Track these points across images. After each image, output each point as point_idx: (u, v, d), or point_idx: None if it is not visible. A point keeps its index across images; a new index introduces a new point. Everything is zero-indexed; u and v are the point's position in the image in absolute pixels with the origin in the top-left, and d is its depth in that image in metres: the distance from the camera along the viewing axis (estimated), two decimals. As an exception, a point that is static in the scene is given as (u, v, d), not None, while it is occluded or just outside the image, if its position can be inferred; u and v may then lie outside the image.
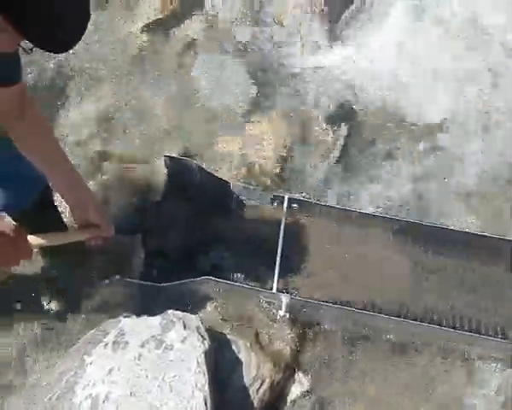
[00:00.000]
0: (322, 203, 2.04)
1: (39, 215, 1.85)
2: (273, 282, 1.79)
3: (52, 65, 2.51)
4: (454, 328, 1.79)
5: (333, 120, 2.43)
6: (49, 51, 1.11)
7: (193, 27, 2.71)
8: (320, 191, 2.20)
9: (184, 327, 1.55)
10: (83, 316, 1.83)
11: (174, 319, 1.58)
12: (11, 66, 1.34)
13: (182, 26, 2.70)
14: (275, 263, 1.83)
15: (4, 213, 1.85)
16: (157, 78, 2.55)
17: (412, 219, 2.02)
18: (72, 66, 2.53)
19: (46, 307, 1.85)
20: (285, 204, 2.01)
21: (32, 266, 1.87)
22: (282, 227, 1.94)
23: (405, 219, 2.00)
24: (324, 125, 2.43)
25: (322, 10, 2.64)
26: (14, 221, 1.82)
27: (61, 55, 2.51)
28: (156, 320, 1.59)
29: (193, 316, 1.62)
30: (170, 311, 1.61)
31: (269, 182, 2.21)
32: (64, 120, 2.37)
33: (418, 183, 2.21)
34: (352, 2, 2.73)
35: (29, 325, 1.79)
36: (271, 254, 1.87)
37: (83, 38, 1.15)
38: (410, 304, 1.83)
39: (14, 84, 1.35)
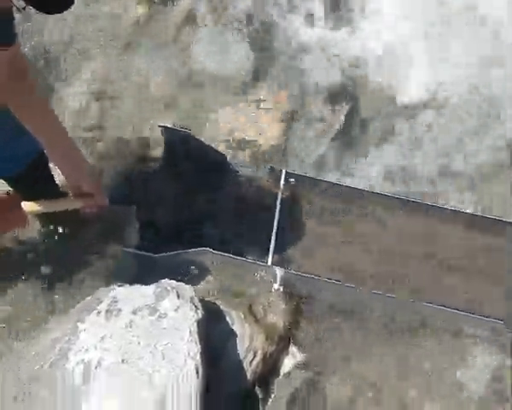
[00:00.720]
0: (320, 179, 2.02)
1: (34, 182, 1.84)
2: (268, 255, 1.78)
3: (46, 36, 2.46)
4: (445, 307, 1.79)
5: (333, 96, 2.39)
6: (42, 11, 1.09)
7: (193, -3, 2.65)
8: (318, 167, 2.18)
9: (178, 296, 1.54)
10: (77, 284, 1.81)
11: (168, 288, 1.57)
12: (3, 27, 1.30)
13: None
14: (271, 236, 1.82)
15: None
16: (154, 49, 2.50)
17: (410, 197, 2.00)
18: (68, 35, 2.48)
19: (40, 274, 1.83)
20: (282, 178, 2.00)
21: (27, 233, 1.85)
22: (279, 201, 1.93)
23: (404, 197, 1.99)
24: (324, 102, 2.39)
25: None
26: (10, 187, 1.80)
27: (56, 25, 2.47)
28: (150, 289, 1.58)
29: (187, 286, 1.61)
30: (164, 280, 1.61)
31: (266, 156, 2.19)
32: (59, 90, 2.32)
33: (416, 162, 2.18)
34: None
35: (22, 293, 1.78)
36: (267, 227, 1.86)
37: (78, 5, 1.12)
38: (407, 283, 1.82)
39: (6, 46, 1.32)
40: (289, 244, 1.84)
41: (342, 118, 2.35)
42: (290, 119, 2.32)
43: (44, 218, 1.88)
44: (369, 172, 2.14)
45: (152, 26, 2.58)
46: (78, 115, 2.30)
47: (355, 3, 2.64)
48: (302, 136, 2.28)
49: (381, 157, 2.19)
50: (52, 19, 2.46)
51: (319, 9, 2.62)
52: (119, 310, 1.52)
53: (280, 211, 1.89)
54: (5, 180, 1.83)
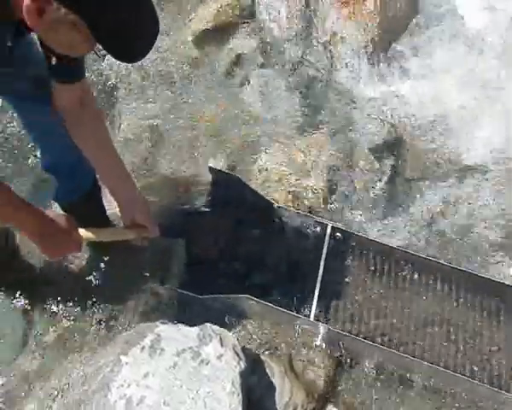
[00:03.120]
0: (366, 236, 2.02)
1: (88, 210, 1.89)
2: (311, 309, 1.77)
3: (107, 68, 2.54)
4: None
5: (380, 149, 2.40)
6: (120, 60, 1.15)
7: (244, 41, 2.72)
8: (362, 222, 2.16)
9: (221, 344, 1.54)
10: (118, 314, 1.85)
11: (212, 334, 1.57)
12: (78, 65, 1.39)
13: (233, 38, 2.72)
14: (314, 290, 1.81)
15: (55, 204, 1.89)
16: (205, 88, 2.55)
17: (456, 264, 1.97)
18: (122, 70, 2.56)
19: (82, 300, 1.86)
20: (328, 232, 2.00)
21: (76, 259, 1.90)
22: (324, 255, 1.92)
23: (448, 264, 1.96)
24: (370, 154, 2.38)
25: (374, 39, 2.61)
26: (67, 213, 1.85)
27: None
28: (194, 331, 1.58)
29: (229, 333, 1.61)
30: (208, 324, 1.60)
31: (310, 206, 2.19)
32: (114, 122, 2.40)
33: (464, 227, 2.15)
34: (403, 33, 2.71)
35: (65, 318, 1.82)
36: (311, 280, 1.85)
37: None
38: (449, 353, 1.78)
39: (77, 81, 1.40)
40: (333, 301, 1.83)
41: (388, 174, 2.33)
42: (335, 168, 2.32)
43: (93, 244, 1.92)
44: (416, 233, 2.11)
45: (204, 64, 2.65)
46: (130, 147, 2.37)
47: (407, 60, 2.67)
48: (347, 187, 2.28)
49: (428, 218, 2.17)
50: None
51: (368, 63, 2.66)
52: (163, 349, 1.53)
53: (324, 265, 1.89)
54: (62, 206, 1.89)
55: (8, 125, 2.32)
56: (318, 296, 1.80)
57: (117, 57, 1.14)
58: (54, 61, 1.28)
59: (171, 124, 2.47)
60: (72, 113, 1.46)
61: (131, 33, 1.09)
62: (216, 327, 1.60)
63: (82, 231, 1.51)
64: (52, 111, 1.46)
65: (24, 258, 1.92)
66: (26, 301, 1.84)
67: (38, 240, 1.38)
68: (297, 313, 1.76)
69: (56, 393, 1.55)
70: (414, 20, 2.74)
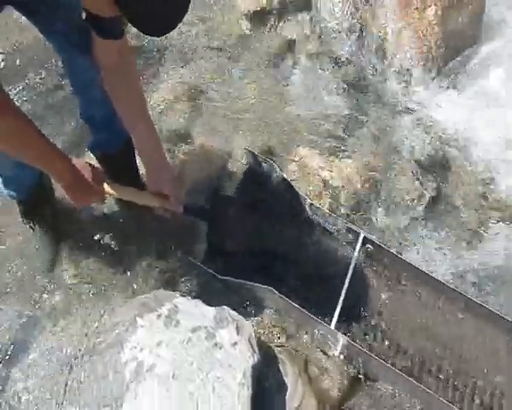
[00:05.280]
0: (399, 255, 1.92)
1: (120, 164, 1.84)
2: (332, 317, 1.68)
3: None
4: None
5: (423, 167, 2.27)
6: (141, 31, 1.11)
7: (296, 28, 2.64)
8: (395, 239, 2.06)
9: (237, 332, 1.47)
10: (135, 276, 1.79)
11: (229, 319, 1.50)
12: (113, 25, 1.32)
13: (285, 24, 2.64)
14: (338, 298, 1.72)
15: (91, 154, 1.84)
16: (251, 69, 2.48)
17: (488, 304, 1.87)
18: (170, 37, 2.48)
19: (106, 255, 1.82)
20: (359, 241, 1.91)
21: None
22: (352, 264, 1.84)
23: (481, 302, 1.85)
24: (413, 170, 2.26)
25: (430, 50, 2.49)
26: (99, 163, 1.81)
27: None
28: (211, 312, 1.51)
29: (246, 322, 1.53)
30: (226, 308, 1.53)
31: (343, 210, 2.10)
32: (151, 88, 2.33)
33: (501, 268, 2.03)
34: (462, 49, 2.59)
35: (88, 269, 1.79)
36: (337, 287, 1.76)
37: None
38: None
39: (114, 39, 1.36)
40: (356, 313, 1.74)
41: (429, 193, 2.20)
42: (374, 176, 2.21)
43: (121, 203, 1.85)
44: (454, 264, 2.01)
45: (253, 45, 2.58)
46: (165, 116, 2.28)
47: (462, 78, 2.53)
48: (384, 200, 2.17)
49: (467, 253, 2.07)
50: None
51: (421, 75, 2.54)
52: (178, 322, 1.46)
53: (352, 275, 1.80)
54: (96, 156, 1.84)
55: (49, 73, 2.27)
56: (342, 306, 1.70)
57: (137, 27, 1.09)
58: (84, 16, 1.25)
59: (210, 100, 2.40)
60: (108, 68, 1.45)
61: (152, 6, 1.04)
62: (233, 313, 1.53)
63: (107, 186, 1.50)
64: (92, 60, 1.44)
65: (57, 198, 1.90)
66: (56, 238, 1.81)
67: (66, 186, 1.39)
68: (318, 317, 1.67)
69: (73, 339, 1.53)
70: (475, 38, 2.63)
